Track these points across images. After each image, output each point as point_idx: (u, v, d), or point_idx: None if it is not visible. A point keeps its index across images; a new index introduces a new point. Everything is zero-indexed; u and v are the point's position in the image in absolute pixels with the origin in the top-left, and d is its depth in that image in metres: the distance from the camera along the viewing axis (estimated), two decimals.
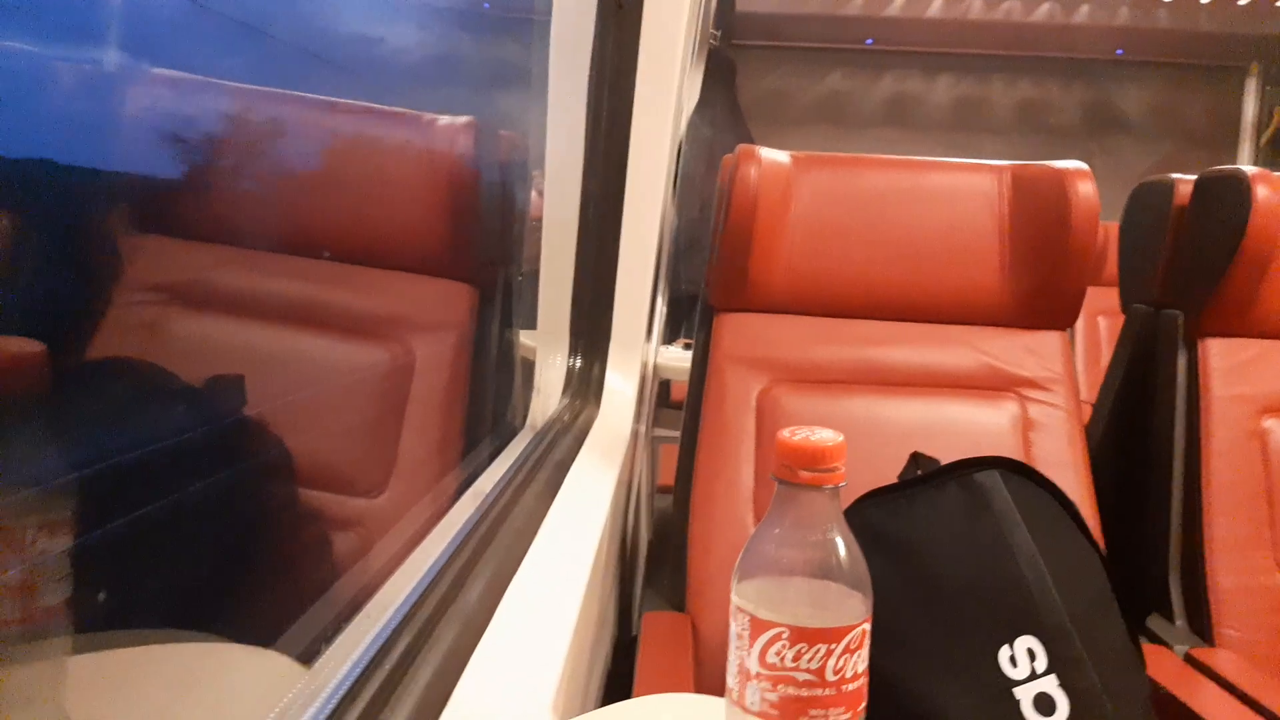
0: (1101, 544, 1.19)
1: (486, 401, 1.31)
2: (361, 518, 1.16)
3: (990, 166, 1.37)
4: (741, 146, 1.35)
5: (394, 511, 1.16)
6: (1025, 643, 0.78)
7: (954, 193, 1.35)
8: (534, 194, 1.50)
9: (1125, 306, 1.60)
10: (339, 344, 1.23)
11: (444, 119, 1.30)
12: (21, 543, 0.42)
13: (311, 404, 1.17)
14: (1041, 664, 0.77)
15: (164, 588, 0.65)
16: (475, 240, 1.33)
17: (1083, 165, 1.30)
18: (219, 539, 0.85)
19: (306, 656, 0.56)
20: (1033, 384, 1.30)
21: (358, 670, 0.53)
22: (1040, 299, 1.32)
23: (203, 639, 0.62)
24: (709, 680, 1.05)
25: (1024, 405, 1.29)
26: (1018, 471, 0.89)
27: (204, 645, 0.62)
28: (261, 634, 0.62)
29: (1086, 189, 1.27)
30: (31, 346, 0.44)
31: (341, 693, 0.50)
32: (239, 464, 0.96)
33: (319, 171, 1.24)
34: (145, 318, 1.07)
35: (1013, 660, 0.77)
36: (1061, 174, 1.30)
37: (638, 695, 0.91)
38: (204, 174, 1.11)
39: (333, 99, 1.28)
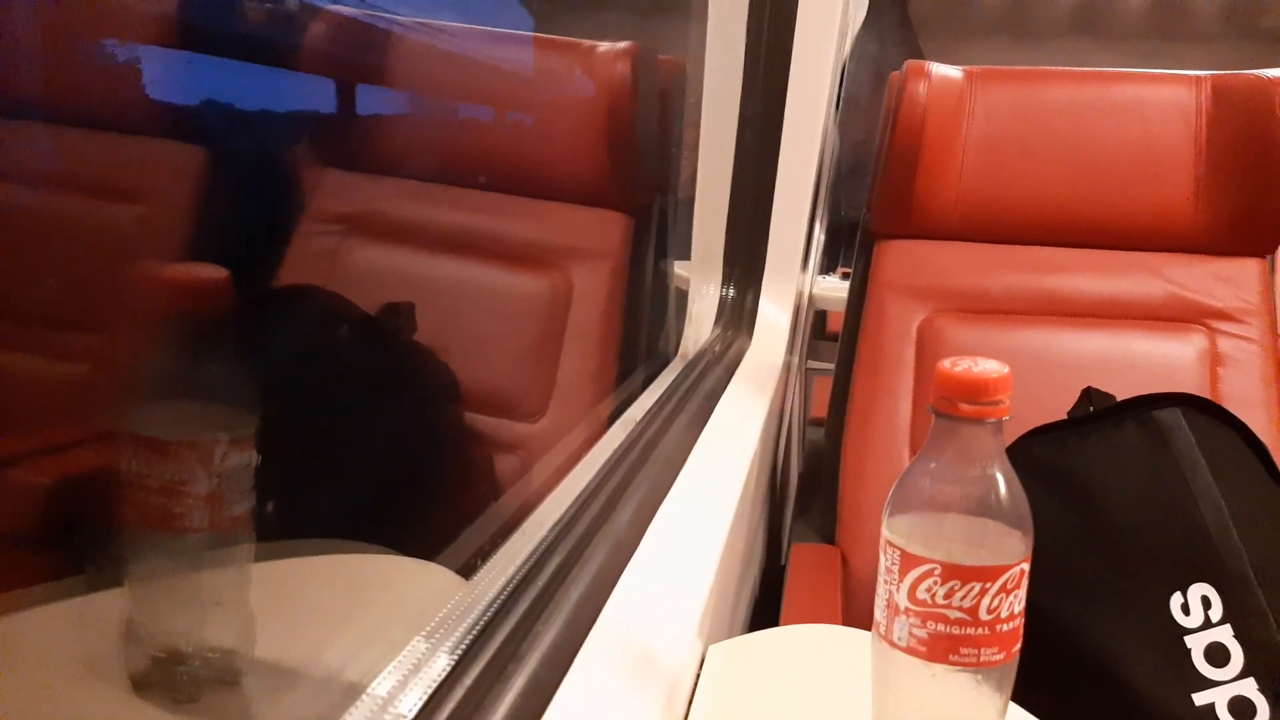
0: None
1: (640, 330, 1.32)
2: (522, 441, 1.21)
3: (1187, 77, 1.26)
4: (909, 62, 1.29)
5: (553, 436, 1.20)
6: (1200, 590, 0.73)
7: (1144, 106, 1.25)
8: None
9: None
10: (502, 274, 1.27)
11: (602, 45, 1.29)
12: (211, 456, 0.46)
13: (477, 332, 1.22)
14: (1216, 613, 0.72)
15: (339, 502, 0.70)
16: (631, 170, 1.33)
17: None
18: (391, 458, 0.90)
19: (467, 570, 0.59)
20: (1224, 315, 1.20)
21: (512, 585, 0.55)
22: (1238, 222, 1.21)
23: (373, 551, 0.66)
24: (857, 613, 1.04)
25: (1213, 338, 1.19)
26: (1202, 409, 0.83)
27: (374, 556, 0.66)
28: (427, 548, 0.66)
29: None
30: (219, 272, 0.47)
31: (497, 605, 0.52)
32: (411, 388, 1.02)
33: (482, 103, 1.27)
34: (325, 247, 1.14)
35: (1185, 608, 0.73)
36: (1270, 84, 1.17)
37: (784, 624, 0.92)
38: (375, 107, 1.15)
39: (493, 29, 1.30)
